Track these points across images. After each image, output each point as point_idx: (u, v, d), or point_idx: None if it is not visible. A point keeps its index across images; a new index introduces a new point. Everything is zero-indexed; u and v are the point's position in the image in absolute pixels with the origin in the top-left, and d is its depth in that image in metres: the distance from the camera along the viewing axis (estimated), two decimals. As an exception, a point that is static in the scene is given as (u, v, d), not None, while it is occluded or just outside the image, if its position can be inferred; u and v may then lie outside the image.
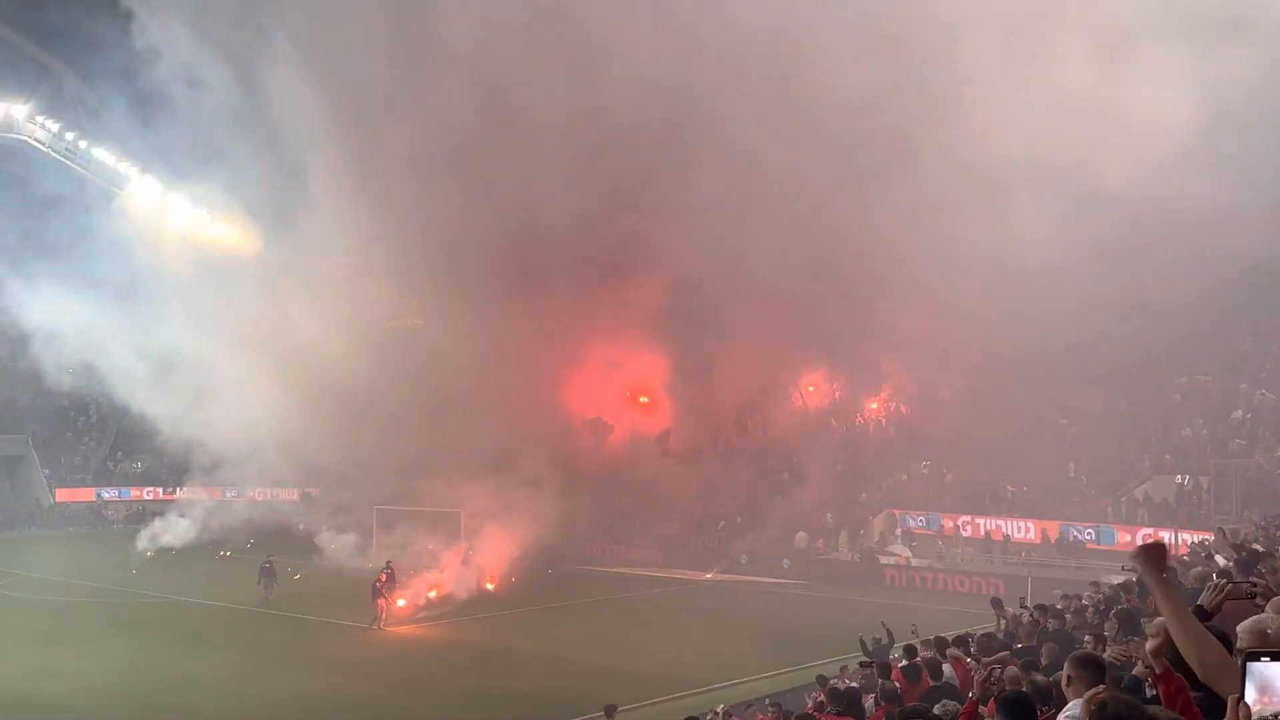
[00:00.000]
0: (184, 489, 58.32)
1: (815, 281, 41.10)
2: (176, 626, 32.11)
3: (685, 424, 49.29)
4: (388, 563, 33.39)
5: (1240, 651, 3.44)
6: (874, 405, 51.04)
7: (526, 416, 45.89)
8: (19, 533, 58.10)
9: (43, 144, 65.72)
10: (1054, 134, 34.01)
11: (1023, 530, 39.04)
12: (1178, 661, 4.14)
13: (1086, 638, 10.52)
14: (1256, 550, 13.60)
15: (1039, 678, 8.25)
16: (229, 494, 54.84)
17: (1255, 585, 6.37)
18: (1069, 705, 5.35)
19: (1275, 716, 3.14)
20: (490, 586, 37.68)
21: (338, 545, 43.86)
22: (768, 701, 16.92)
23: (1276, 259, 34.46)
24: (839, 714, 11.49)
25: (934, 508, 42.28)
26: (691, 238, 42.98)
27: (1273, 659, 3.22)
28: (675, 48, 39.29)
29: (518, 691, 24.23)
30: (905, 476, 45.24)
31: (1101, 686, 4.62)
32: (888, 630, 20.20)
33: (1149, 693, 5.34)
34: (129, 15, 46.42)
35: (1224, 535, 20.95)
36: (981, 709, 7.67)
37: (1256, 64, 30.54)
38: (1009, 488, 41.42)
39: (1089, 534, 37.18)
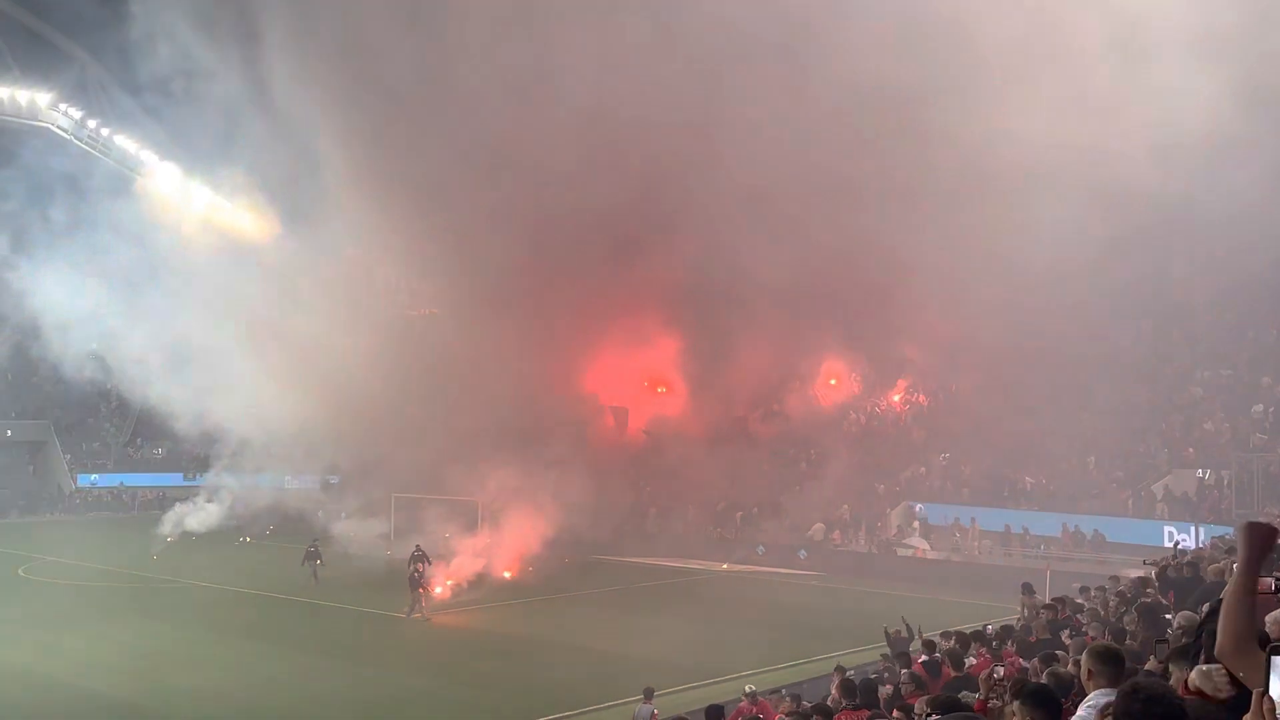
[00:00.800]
0: (204, 475, 58.78)
1: (835, 273, 40.97)
2: (194, 611, 32.32)
3: (702, 414, 49.20)
4: (418, 549, 33.38)
5: (1276, 644, 3.40)
6: (896, 398, 50.86)
7: (544, 406, 45.91)
8: (41, 517, 58.61)
9: (65, 131, 66.08)
10: (1077, 128, 33.76)
11: (1041, 523, 38.87)
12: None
13: (1105, 633, 10.47)
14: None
15: (1061, 670, 8.21)
16: (249, 481, 55.12)
17: (1277, 580, 6.31)
18: (1089, 697, 5.33)
19: None
20: (508, 575, 37.79)
21: (356, 532, 44.03)
22: (784, 692, 16.92)
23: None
24: (854, 709, 11.47)
25: (952, 500, 42.12)
26: (711, 227, 42.89)
27: None
28: (697, 33, 39.15)
29: (535, 680, 24.31)
30: (924, 469, 45.11)
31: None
32: (907, 624, 20.14)
33: None
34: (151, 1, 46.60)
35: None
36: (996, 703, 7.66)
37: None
38: (1028, 480, 41.25)
39: (1108, 527, 36.98)
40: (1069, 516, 38.17)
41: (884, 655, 17.78)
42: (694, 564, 42.76)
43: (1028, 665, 11.04)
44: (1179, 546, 25.37)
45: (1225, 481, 36.26)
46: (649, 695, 18.68)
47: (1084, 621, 13.54)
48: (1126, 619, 11.41)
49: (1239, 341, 42.25)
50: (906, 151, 36.89)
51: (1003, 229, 35.27)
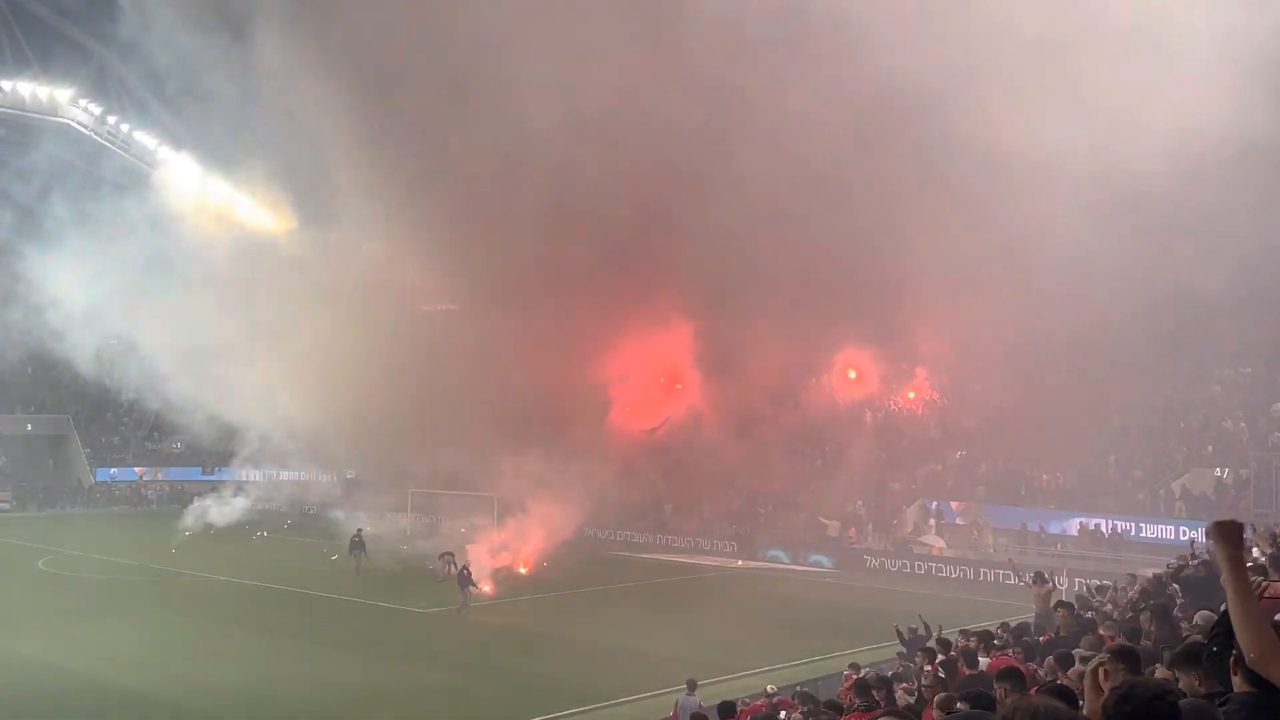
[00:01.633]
0: (222, 470, 59.25)
1: (851, 270, 40.86)
2: (212, 605, 32.50)
3: (718, 410, 49.15)
4: (445, 554, 33.65)
5: None
6: (911, 395, 50.74)
7: (560, 402, 45.96)
8: (61, 511, 59.04)
9: (85, 126, 66.50)
10: (1097, 125, 33.57)
11: (1058, 522, 38.77)
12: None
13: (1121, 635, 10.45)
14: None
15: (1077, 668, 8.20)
16: (266, 476, 55.53)
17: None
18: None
19: None
20: (523, 571, 37.92)
21: (377, 529, 44.26)
22: (799, 688, 16.95)
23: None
24: (866, 709, 11.46)
25: (968, 497, 42.03)
26: (727, 223, 42.81)
27: None
28: (715, 27, 39.07)
29: (550, 675, 24.38)
30: (940, 466, 45.02)
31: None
32: (924, 623, 20.13)
33: None
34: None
35: (1253, 530, 20.73)
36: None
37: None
38: (1044, 478, 41.13)
39: (1126, 526, 36.85)
40: (1086, 515, 38.06)
41: (899, 654, 17.76)
42: (709, 560, 42.82)
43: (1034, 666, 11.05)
44: (1194, 546, 25.24)
45: (1244, 480, 36.09)
46: (692, 687, 18.72)
47: (1099, 621, 13.54)
48: (1142, 618, 11.38)
49: (1258, 340, 42.00)
50: (925, 147, 36.74)
51: (1021, 226, 35.12)
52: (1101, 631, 11.45)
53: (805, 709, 13.31)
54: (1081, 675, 7.18)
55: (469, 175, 43.43)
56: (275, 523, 50.15)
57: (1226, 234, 32.52)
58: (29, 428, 65.39)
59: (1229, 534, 4.20)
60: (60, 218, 51.14)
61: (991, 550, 39.17)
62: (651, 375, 52.24)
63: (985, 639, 14.50)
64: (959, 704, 7.82)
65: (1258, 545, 17.30)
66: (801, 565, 41.27)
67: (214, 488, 58.38)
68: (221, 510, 50.20)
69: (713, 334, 48.07)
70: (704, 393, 50.49)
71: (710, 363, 49.37)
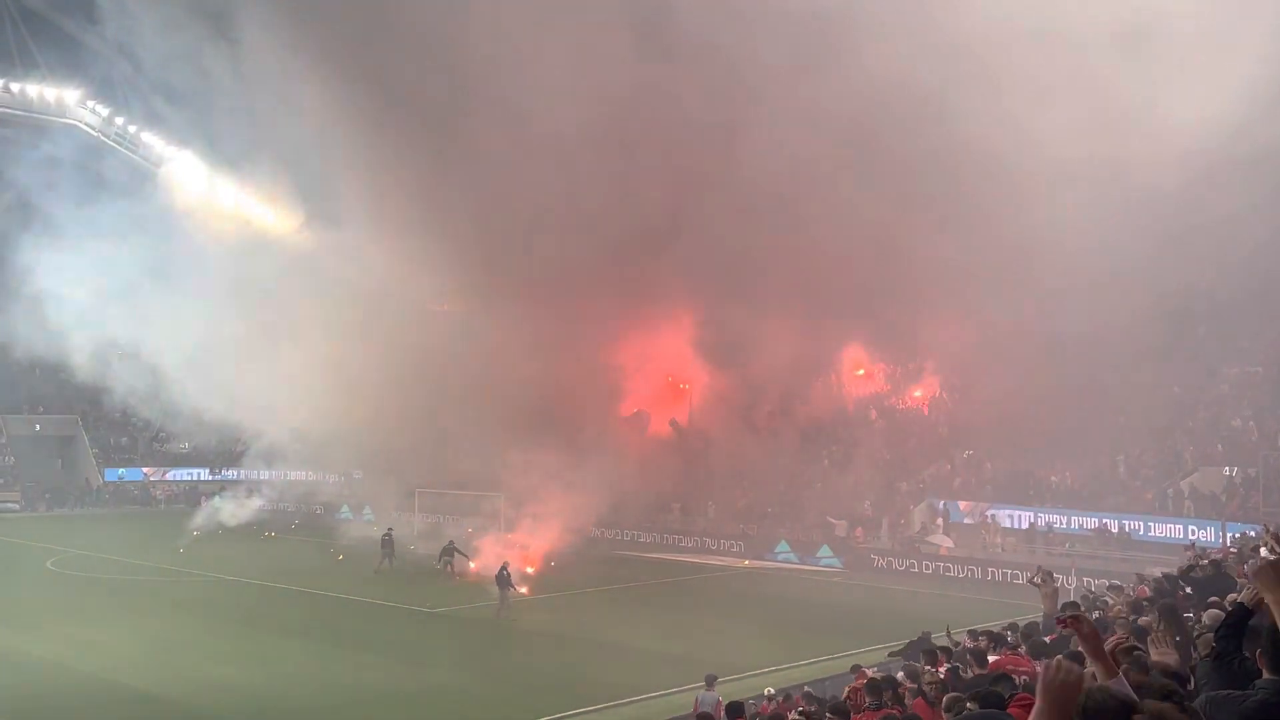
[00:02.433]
0: (230, 470, 59.35)
1: (859, 269, 40.80)
2: (220, 604, 32.54)
3: (725, 410, 49.12)
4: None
5: None
6: (918, 394, 50.65)
7: (567, 402, 45.95)
8: (69, 511, 59.17)
9: (93, 128, 66.63)
10: (1105, 125, 33.49)
11: (1066, 521, 38.65)
12: None
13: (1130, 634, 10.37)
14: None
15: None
16: (274, 476, 55.61)
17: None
18: None
19: None
20: (530, 570, 37.90)
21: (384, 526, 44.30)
22: (806, 688, 16.90)
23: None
24: (875, 709, 11.42)
25: (976, 497, 41.92)
26: (734, 223, 42.79)
27: None
28: (722, 27, 39.04)
29: (559, 675, 24.39)
30: (948, 465, 44.92)
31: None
32: (949, 634, 19.93)
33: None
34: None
35: (1267, 530, 20.65)
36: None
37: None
38: (1053, 477, 41.01)
39: (1134, 525, 36.74)
40: (1094, 514, 37.94)
41: (890, 654, 17.65)
42: (716, 560, 42.78)
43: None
44: (1196, 546, 25.17)
45: (1253, 479, 35.96)
46: (711, 682, 18.71)
47: (1108, 621, 13.47)
48: (1149, 619, 11.31)
49: (1267, 339, 41.86)
50: (935, 146, 36.67)
51: (1029, 225, 35.07)
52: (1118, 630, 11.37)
53: (810, 709, 13.27)
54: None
55: (478, 174, 43.43)
56: (283, 523, 50.21)
57: (1235, 232, 32.44)
58: (37, 428, 65.56)
59: (1274, 579, 4.30)
60: (68, 218, 51.19)
61: (1000, 550, 39.05)
62: (658, 374, 52.23)
63: (995, 639, 14.46)
64: (968, 704, 7.79)
65: (1265, 544, 17.23)
66: (808, 565, 41.21)
67: (221, 488, 58.59)
68: (229, 510, 50.34)
69: (721, 334, 48.06)
70: (711, 392, 50.50)
71: (718, 362, 49.38)
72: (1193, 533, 33.65)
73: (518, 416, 43.25)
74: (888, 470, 45.08)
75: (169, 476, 65.23)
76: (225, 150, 55.56)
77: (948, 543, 40.22)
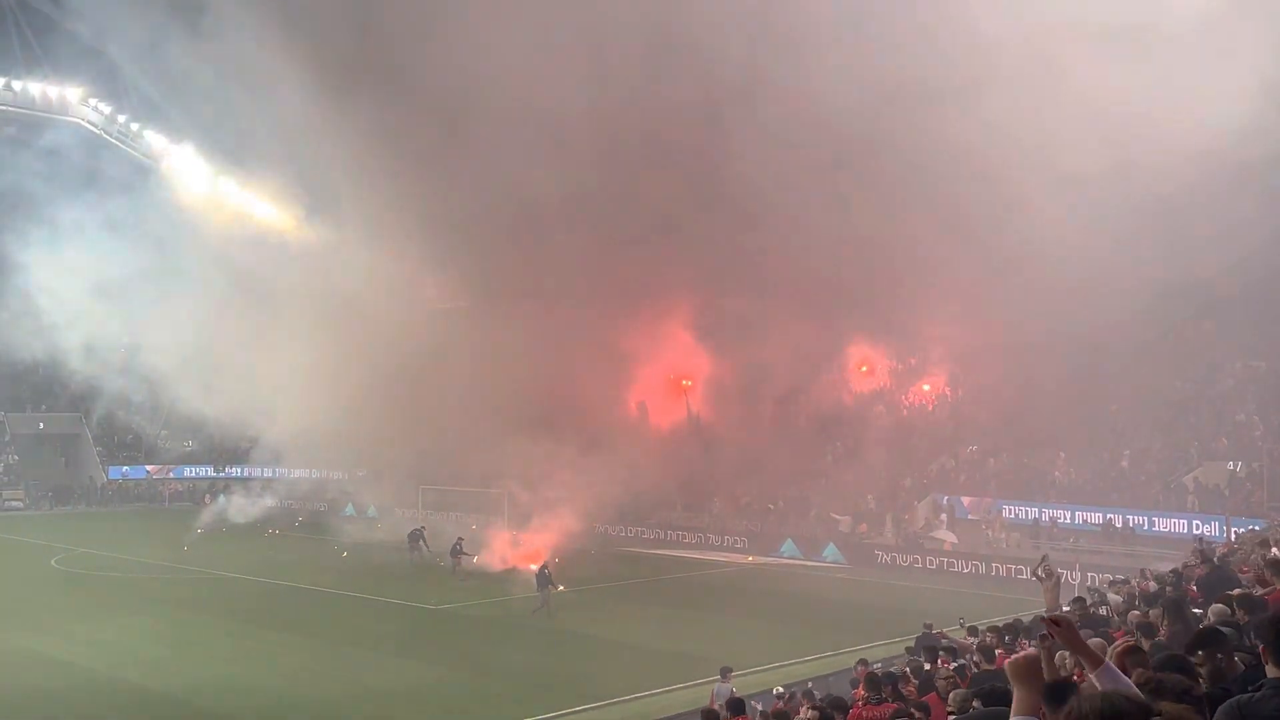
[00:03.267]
0: (234, 468, 59.44)
1: (863, 265, 40.74)
2: (224, 602, 32.57)
3: (729, 406, 49.09)
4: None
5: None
6: (926, 388, 50.58)
7: (571, 399, 45.92)
8: (73, 509, 59.25)
9: (95, 125, 66.66)
10: (1110, 119, 33.41)
11: (1071, 517, 38.62)
12: None
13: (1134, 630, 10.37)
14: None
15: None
16: (279, 474, 55.75)
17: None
18: None
19: None
20: (534, 568, 37.88)
21: (388, 524, 44.46)
22: (810, 685, 16.90)
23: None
24: (877, 703, 11.42)
25: (980, 492, 41.90)
26: (735, 219, 42.73)
27: None
28: (727, 18, 38.96)
29: (560, 671, 24.42)
30: (953, 461, 44.88)
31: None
32: (963, 626, 19.90)
33: None
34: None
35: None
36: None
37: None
38: (1056, 473, 40.98)
39: (1138, 520, 36.71)
40: (1099, 510, 37.91)
41: (907, 649, 17.65)
42: (720, 556, 42.77)
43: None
44: (1203, 540, 25.11)
45: (1257, 474, 35.92)
46: (725, 674, 18.74)
47: (1112, 616, 13.46)
48: (1154, 614, 11.30)
49: (1271, 333, 41.78)
50: (940, 142, 36.58)
51: (1033, 220, 34.98)
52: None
53: (811, 705, 13.27)
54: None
55: (480, 169, 43.37)
56: (287, 520, 50.25)
57: (1239, 227, 32.36)
58: (41, 426, 65.64)
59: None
60: (70, 216, 51.28)
61: (1004, 545, 39.02)
62: (661, 370, 52.17)
63: (1001, 635, 14.45)
64: (974, 701, 7.78)
65: (1275, 544, 17.20)
66: (812, 561, 41.19)
67: (225, 486, 58.70)
68: (233, 508, 50.42)
69: (725, 330, 48.01)
70: (715, 388, 50.46)
71: (722, 358, 49.32)
72: (1197, 527, 33.62)
73: (520, 413, 43.26)
74: (892, 466, 45.04)
75: (172, 474, 65.29)
76: (227, 147, 55.62)
77: (952, 538, 40.19)
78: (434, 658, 25.91)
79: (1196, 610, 10.96)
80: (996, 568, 36.95)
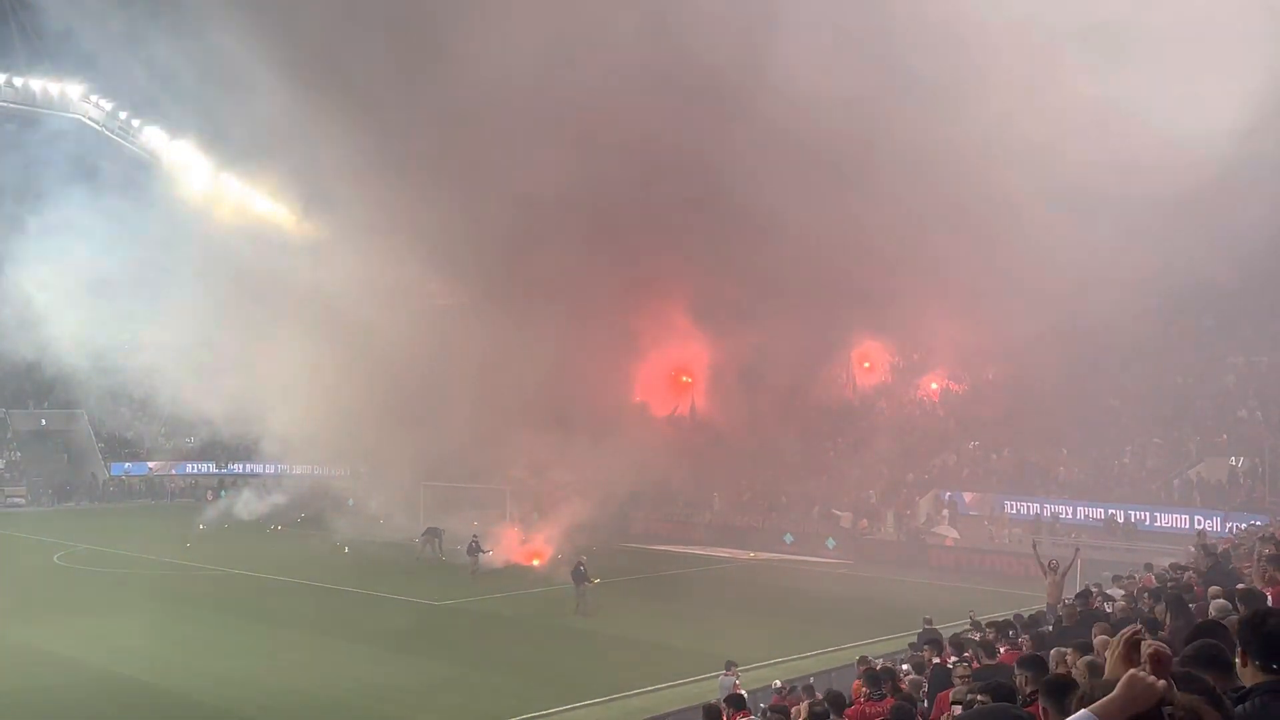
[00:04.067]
0: (236, 464, 59.43)
1: (865, 262, 40.70)
2: (227, 598, 32.62)
3: (731, 402, 49.07)
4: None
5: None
6: (934, 386, 50.55)
7: (572, 396, 45.91)
8: (75, 506, 59.28)
9: (96, 122, 66.66)
10: (1112, 111, 33.36)
11: (1073, 512, 38.60)
12: None
13: (1139, 624, 10.35)
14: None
15: (1097, 659, 8.11)
16: (280, 470, 55.77)
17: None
18: None
19: None
20: (536, 563, 37.95)
21: (388, 519, 44.47)
22: (811, 680, 16.90)
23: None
24: (878, 699, 11.40)
25: (982, 488, 41.89)
26: (739, 215, 42.69)
27: None
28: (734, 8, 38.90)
29: (566, 668, 24.44)
30: (955, 457, 44.87)
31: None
32: (974, 620, 19.88)
33: None
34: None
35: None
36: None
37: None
38: (1060, 468, 40.96)
39: (1140, 515, 36.69)
40: (1100, 505, 37.89)
41: (910, 644, 17.63)
42: (721, 552, 42.76)
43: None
44: (1203, 536, 25.07)
45: (1258, 469, 35.90)
46: (730, 668, 18.78)
47: (1114, 612, 13.45)
48: (1157, 609, 11.29)
49: (1273, 328, 41.78)
50: (944, 139, 36.54)
51: (1035, 216, 34.95)
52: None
53: (809, 701, 13.28)
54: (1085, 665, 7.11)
55: (483, 164, 43.36)
56: (288, 517, 50.26)
57: (1240, 222, 32.33)
58: (43, 422, 65.65)
59: None
60: (70, 212, 51.26)
61: (1008, 541, 38.99)
62: (661, 369, 52.18)
63: (1002, 630, 14.45)
64: (979, 697, 7.76)
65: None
66: (814, 557, 41.18)
67: (227, 482, 58.73)
68: (236, 504, 50.41)
69: (727, 325, 47.99)
70: (717, 384, 50.47)
71: (724, 354, 49.32)
72: (1199, 522, 33.58)
73: (523, 410, 43.26)
74: (894, 462, 45.04)
75: (174, 471, 65.32)
76: (229, 142, 55.58)
77: (953, 534, 40.20)
78: (435, 653, 25.93)
79: (1191, 606, 10.95)
80: (997, 563, 36.94)
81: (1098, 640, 9.48)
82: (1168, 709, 3.31)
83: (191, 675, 23.27)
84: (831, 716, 11.05)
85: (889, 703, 10.91)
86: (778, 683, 17.19)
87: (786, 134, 38.47)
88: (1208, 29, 30.91)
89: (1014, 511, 39.99)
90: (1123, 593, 15.98)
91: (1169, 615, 10.20)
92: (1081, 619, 13.70)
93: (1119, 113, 32.96)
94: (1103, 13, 32.78)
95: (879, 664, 14.72)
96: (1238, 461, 36.94)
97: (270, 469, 57.20)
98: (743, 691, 15.31)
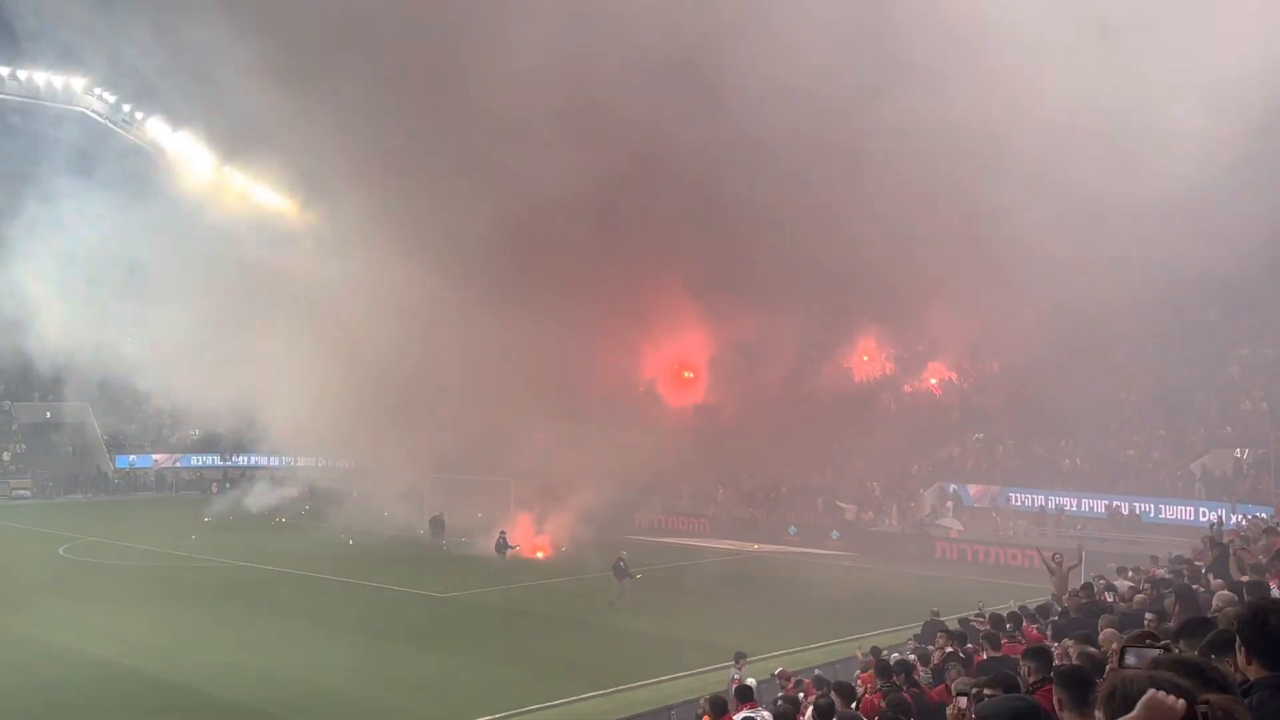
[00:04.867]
0: (241, 457, 59.50)
1: (869, 254, 40.64)
2: (233, 590, 32.62)
3: (734, 395, 49.08)
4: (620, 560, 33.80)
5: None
6: (935, 382, 50.54)
7: (576, 388, 45.91)
8: (81, 498, 59.39)
9: (100, 115, 66.64)
10: (1117, 99, 33.27)
11: (1077, 504, 38.63)
12: None
13: (1148, 616, 10.37)
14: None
15: (1091, 649, 8.15)
16: (285, 462, 55.83)
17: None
18: None
19: None
20: (541, 556, 38.01)
21: (392, 512, 44.56)
22: (817, 672, 16.92)
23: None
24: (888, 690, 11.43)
25: (986, 480, 41.89)
26: (741, 208, 42.66)
27: None
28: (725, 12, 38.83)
29: (571, 659, 24.45)
30: (959, 448, 44.87)
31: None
32: (981, 611, 19.87)
33: None
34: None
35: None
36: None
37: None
38: (1065, 460, 40.96)
39: (1145, 507, 36.70)
40: (1105, 497, 37.91)
41: (915, 636, 17.67)
42: (725, 544, 42.80)
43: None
44: (1213, 529, 25.08)
45: (1263, 460, 35.89)
46: (739, 659, 18.77)
47: (1118, 603, 13.48)
48: (1166, 601, 11.31)
49: (1278, 321, 41.70)
50: (945, 130, 36.47)
51: (1037, 207, 34.89)
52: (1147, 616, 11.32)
53: (819, 692, 13.31)
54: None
55: (484, 160, 43.33)
56: (293, 509, 50.35)
57: (1245, 214, 32.27)
58: (48, 415, 65.73)
59: None
60: (75, 204, 51.28)
61: (1012, 533, 39.03)
62: (664, 362, 52.17)
63: (1002, 623, 14.48)
64: (987, 690, 7.77)
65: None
66: (818, 549, 41.22)
67: (232, 475, 58.79)
68: (241, 496, 50.47)
69: (732, 317, 47.95)
70: (722, 376, 50.45)
71: (726, 348, 49.30)
72: (1204, 514, 33.63)
73: (528, 402, 43.28)
74: (898, 454, 45.02)
75: (179, 464, 65.43)
76: (234, 135, 55.50)
77: (958, 526, 40.21)
78: (443, 645, 25.99)
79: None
80: (1001, 554, 36.97)
81: (1104, 634, 9.51)
82: (1202, 708, 3.31)
83: (197, 666, 23.31)
84: (839, 706, 11.07)
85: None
86: (778, 670, 17.22)
87: (789, 130, 38.46)
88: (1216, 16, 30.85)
89: (1019, 503, 40.03)
90: (1129, 585, 15.99)
91: (1178, 606, 10.23)
92: (1085, 611, 13.75)
93: (1127, 107, 32.92)
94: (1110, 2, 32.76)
95: (893, 657, 14.76)
96: (1243, 453, 36.91)
97: (275, 461, 57.24)
98: (750, 681, 15.32)
